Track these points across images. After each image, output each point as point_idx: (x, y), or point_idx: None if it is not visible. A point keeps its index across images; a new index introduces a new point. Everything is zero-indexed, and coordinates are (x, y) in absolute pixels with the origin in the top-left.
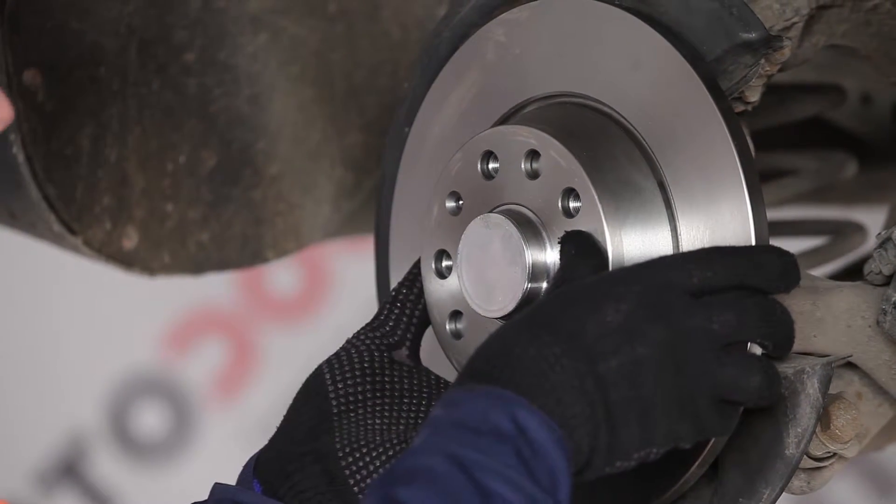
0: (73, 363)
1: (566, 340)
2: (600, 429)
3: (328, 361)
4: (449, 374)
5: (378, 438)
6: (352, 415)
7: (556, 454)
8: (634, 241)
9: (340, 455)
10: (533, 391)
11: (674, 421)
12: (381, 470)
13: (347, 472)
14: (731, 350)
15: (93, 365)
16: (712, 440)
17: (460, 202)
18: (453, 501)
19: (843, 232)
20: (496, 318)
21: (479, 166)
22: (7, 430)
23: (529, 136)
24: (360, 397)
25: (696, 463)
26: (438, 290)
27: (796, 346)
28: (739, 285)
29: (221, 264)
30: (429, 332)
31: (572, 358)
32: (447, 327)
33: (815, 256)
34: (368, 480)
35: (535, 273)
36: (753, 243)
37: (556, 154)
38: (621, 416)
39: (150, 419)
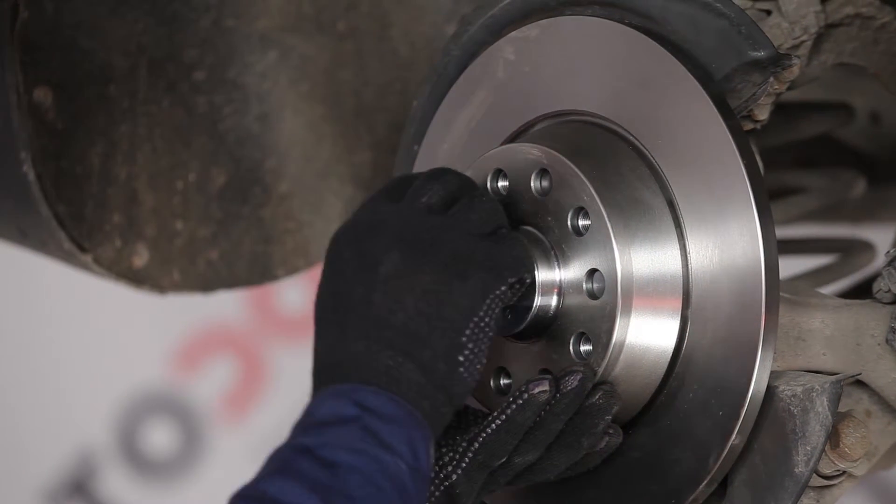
0: (82, 381)
1: (375, 331)
2: (425, 386)
3: None
4: None
5: None
6: None
7: (408, 421)
8: (643, 259)
9: None
10: (370, 377)
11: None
12: None
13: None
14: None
15: (102, 382)
16: (722, 457)
17: None
18: (302, 478)
19: (851, 250)
20: (506, 337)
21: (488, 184)
22: (17, 448)
23: (539, 154)
24: None
25: (705, 481)
26: None
27: (804, 364)
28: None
29: (231, 282)
30: None
31: (383, 343)
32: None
33: (824, 274)
34: None
35: (545, 290)
36: (762, 261)
37: (565, 172)
38: (428, 358)
39: (160, 437)
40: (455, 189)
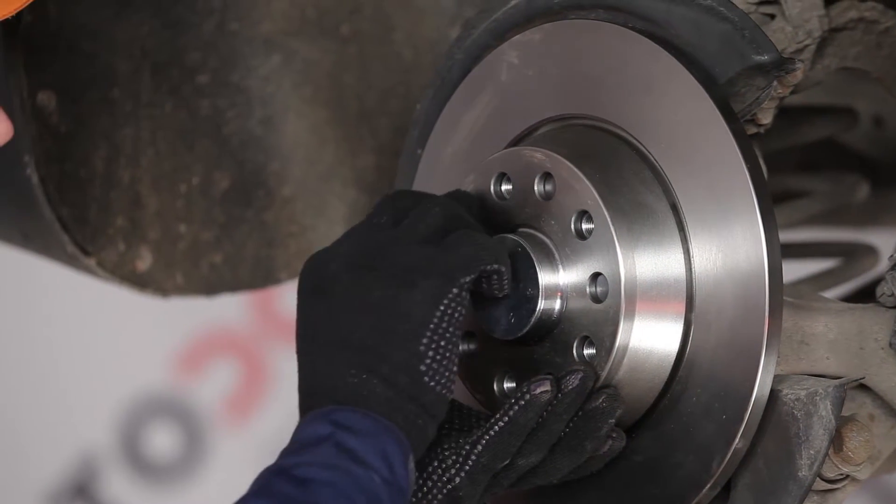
0: (85, 384)
1: (338, 353)
2: (394, 399)
3: None
4: (461, 395)
5: None
6: None
7: (382, 435)
8: (647, 263)
9: None
10: (341, 398)
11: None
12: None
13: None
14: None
15: (105, 386)
16: (725, 461)
17: None
18: (277, 497)
19: (855, 254)
20: (509, 341)
21: (492, 188)
22: (19, 451)
23: (543, 158)
24: None
25: (708, 485)
26: None
27: (808, 368)
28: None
29: (234, 285)
30: None
31: (346, 363)
32: (460, 348)
33: (828, 278)
34: None
35: (548, 294)
36: (766, 265)
37: (569, 176)
38: (388, 371)
39: (162, 440)
40: (407, 204)
